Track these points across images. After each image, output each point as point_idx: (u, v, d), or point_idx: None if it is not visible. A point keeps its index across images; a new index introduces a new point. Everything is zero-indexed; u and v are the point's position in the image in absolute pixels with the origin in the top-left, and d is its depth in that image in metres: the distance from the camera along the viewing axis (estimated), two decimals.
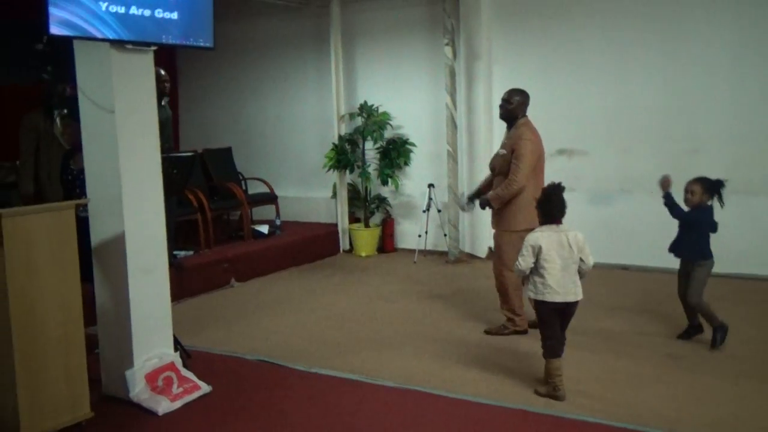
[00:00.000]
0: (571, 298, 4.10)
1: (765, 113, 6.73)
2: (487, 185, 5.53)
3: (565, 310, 4.15)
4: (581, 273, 4.16)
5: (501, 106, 5.36)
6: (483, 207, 5.39)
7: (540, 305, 4.16)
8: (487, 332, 5.35)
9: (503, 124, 7.88)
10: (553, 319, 4.14)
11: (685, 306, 5.02)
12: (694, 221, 4.87)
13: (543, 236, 4.11)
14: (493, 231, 5.45)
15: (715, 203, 4.88)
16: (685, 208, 4.94)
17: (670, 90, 7.13)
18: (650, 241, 7.09)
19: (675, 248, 5.01)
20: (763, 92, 6.72)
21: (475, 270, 7.67)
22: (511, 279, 5.18)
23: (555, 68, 7.67)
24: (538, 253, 4.08)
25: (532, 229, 4.25)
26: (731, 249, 6.39)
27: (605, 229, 7.40)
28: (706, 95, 6.96)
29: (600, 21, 7.40)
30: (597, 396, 4.12)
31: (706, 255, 4.89)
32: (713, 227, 4.88)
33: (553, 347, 4.13)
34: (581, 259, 4.12)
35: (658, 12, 7.10)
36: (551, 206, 4.19)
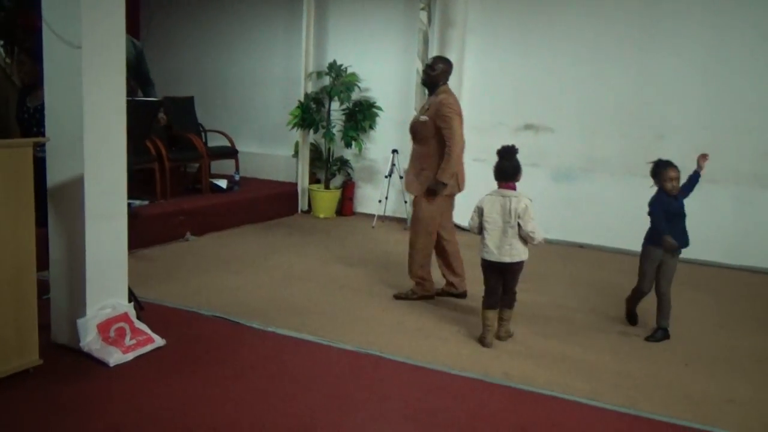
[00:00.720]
0: (506, 259, 4.40)
1: (731, 105, 6.85)
2: (412, 166, 5.36)
3: (504, 269, 4.44)
4: (525, 238, 4.38)
5: (424, 72, 5.34)
6: (437, 193, 5.12)
7: (481, 261, 4.53)
8: (396, 297, 5.41)
9: (471, 94, 8.00)
10: (489, 275, 4.51)
11: (640, 296, 4.95)
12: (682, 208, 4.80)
13: (487, 199, 4.47)
14: (411, 196, 5.49)
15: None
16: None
17: (642, 75, 7.19)
18: (609, 222, 7.24)
19: (679, 238, 4.72)
20: (731, 83, 6.83)
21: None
22: (426, 244, 5.29)
23: (530, 43, 7.64)
24: (480, 214, 4.44)
25: (452, 195, 5.20)
26: (691, 236, 6.53)
27: (566, 207, 7.49)
28: (676, 83, 7.04)
29: (577, 8, 7.39)
30: (556, 371, 4.15)
31: None
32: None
33: (486, 299, 4.53)
34: (519, 225, 4.34)
35: (634, 4, 7.14)
36: (499, 167, 4.50)
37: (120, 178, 4.15)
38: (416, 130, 5.24)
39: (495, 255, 4.39)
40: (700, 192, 6.71)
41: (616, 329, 4.96)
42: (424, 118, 5.14)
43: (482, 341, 4.50)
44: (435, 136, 5.08)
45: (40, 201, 3.90)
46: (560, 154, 7.60)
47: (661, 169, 4.74)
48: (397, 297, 5.43)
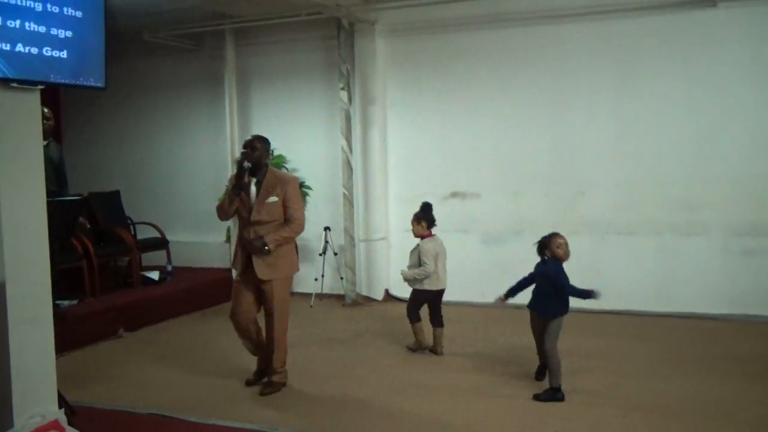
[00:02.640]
0: (444, 286, 5.95)
1: (645, 158, 7.18)
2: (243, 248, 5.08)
3: (439, 295, 5.97)
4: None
5: (246, 154, 4.93)
6: (255, 252, 4.92)
7: (420, 293, 5.94)
8: (262, 394, 5.10)
9: (397, 167, 8.18)
10: (423, 302, 5.98)
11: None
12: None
13: (432, 246, 5.89)
14: (261, 281, 4.97)
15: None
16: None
17: (558, 136, 7.51)
18: None
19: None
20: (643, 139, 7.18)
21: (373, 312, 7.67)
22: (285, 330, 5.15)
23: (449, 113, 7.91)
24: (436, 257, 5.81)
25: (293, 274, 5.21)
26: (615, 286, 6.75)
27: (498, 270, 7.60)
28: (591, 141, 7.38)
29: (491, 69, 7.72)
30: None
31: None
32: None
33: (416, 315, 6.01)
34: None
35: (545, 60, 7.50)
36: (430, 218, 5.98)
37: (44, 281, 4.05)
38: (264, 214, 4.92)
39: (443, 283, 5.93)
40: (624, 244, 7.05)
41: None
42: (273, 199, 4.91)
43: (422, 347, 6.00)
44: (282, 218, 4.97)
45: None
46: (488, 218, 7.80)
47: (547, 241, 5.04)
48: (262, 394, 5.09)
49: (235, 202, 4.98)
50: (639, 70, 7.15)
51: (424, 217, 5.96)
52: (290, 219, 4.96)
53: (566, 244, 4.95)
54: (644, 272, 7.15)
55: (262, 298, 5.08)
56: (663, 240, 7.14)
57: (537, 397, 4.81)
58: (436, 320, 6.00)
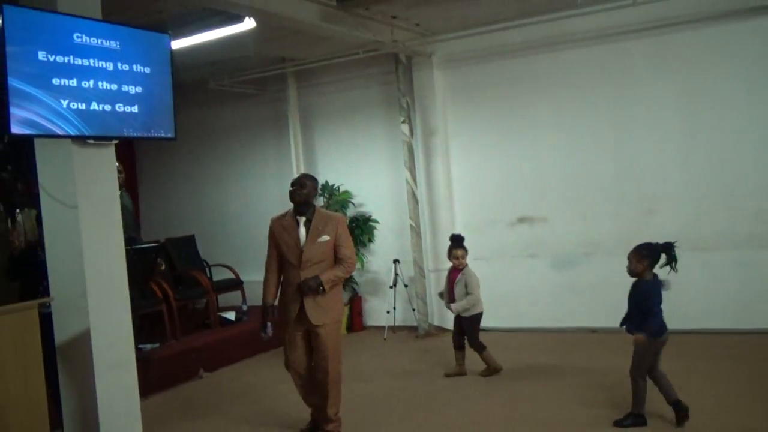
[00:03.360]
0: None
1: (714, 171, 6.96)
2: (275, 287, 4.94)
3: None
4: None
5: (297, 192, 4.78)
6: (311, 291, 4.69)
7: (477, 318, 6.19)
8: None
9: (462, 196, 8.18)
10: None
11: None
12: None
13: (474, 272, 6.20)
14: (315, 326, 4.72)
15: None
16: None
17: (622, 154, 7.37)
18: (616, 302, 7.18)
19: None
20: (711, 151, 6.97)
21: (447, 342, 7.61)
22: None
23: (510, 139, 7.88)
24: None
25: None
26: (692, 304, 6.54)
27: (571, 293, 7.51)
28: (657, 157, 7.20)
29: (550, 92, 7.66)
30: None
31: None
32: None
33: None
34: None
35: (605, 78, 7.40)
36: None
37: (126, 327, 4.23)
38: (315, 253, 4.73)
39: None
40: (699, 260, 6.82)
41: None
42: (325, 238, 4.74)
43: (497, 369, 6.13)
44: (333, 259, 4.81)
45: (49, 359, 3.97)
46: (557, 241, 7.68)
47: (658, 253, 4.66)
48: None
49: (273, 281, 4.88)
50: (702, 81, 6.97)
51: (464, 248, 6.23)
52: (342, 258, 4.77)
53: (629, 258, 4.71)
54: (722, 288, 6.89)
55: (313, 344, 4.83)
56: (740, 254, 6.87)
57: (618, 423, 4.67)
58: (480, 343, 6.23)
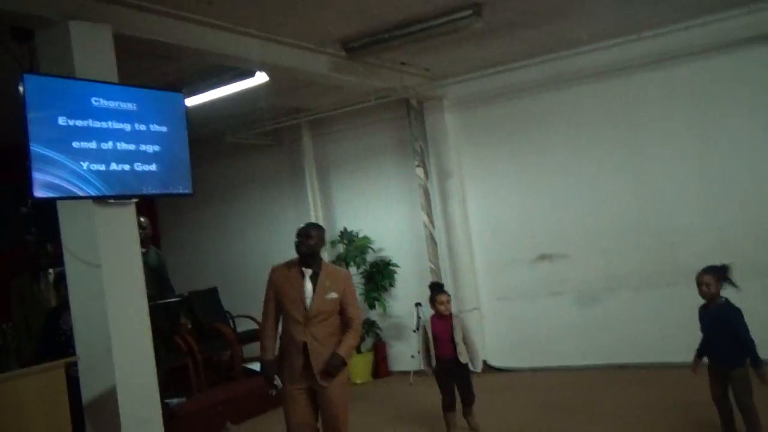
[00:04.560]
0: None
1: (735, 199, 6.91)
2: (274, 341, 4.62)
3: None
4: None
5: (305, 244, 4.53)
6: (337, 371, 4.39)
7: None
8: None
9: (480, 237, 8.19)
10: None
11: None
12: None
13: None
14: (323, 387, 4.38)
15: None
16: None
17: (640, 186, 7.34)
18: (645, 336, 7.12)
19: None
20: (730, 179, 6.92)
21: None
22: None
23: (527, 177, 7.91)
24: None
25: None
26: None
27: (597, 329, 7.43)
28: (676, 188, 7.17)
29: (564, 128, 7.70)
30: None
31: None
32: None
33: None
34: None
35: (618, 112, 7.43)
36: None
37: (151, 383, 4.26)
38: (322, 310, 4.44)
39: None
40: (729, 290, 6.69)
41: None
42: (333, 295, 4.45)
43: None
44: (338, 316, 4.54)
45: (77, 420, 4.00)
46: (580, 278, 7.63)
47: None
48: None
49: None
50: (716, 110, 6.96)
51: (447, 292, 5.84)
52: (351, 319, 4.50)
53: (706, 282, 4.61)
54: (756, 317, 6.77)
55: (320, 404, 4.47)
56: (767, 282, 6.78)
57: None
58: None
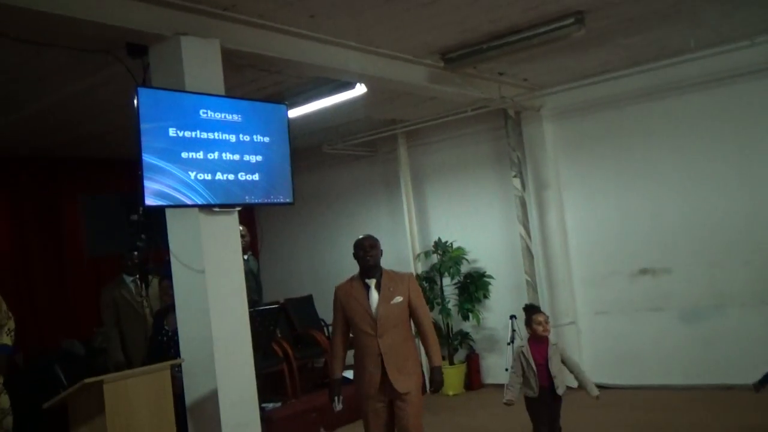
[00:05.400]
0: None
1: None
2: (342, 360, 4.69)
3: None
4: None
5: (372, 255, 4.62)
6: (441, 385, 4.56)
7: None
8: None
9: (579, 249, 8.00)
10: None
11: None
12: None
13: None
14: (401, 394, 4.38)
15: None
16: None
17: (748, 199, 6.96)
18: (755, 356, 6.75)
19: None
20: None
21: (568, 400, 7.36)
22: None
23: (626, 189, 7.66)
24: None
25: None
26: None
27: (701, 347, 7.12)
28: None
29: (667, 138, 7.41)
30: None
31: None
32: None
33: None
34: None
35: (724, 122, 7.08)
36: None
37: (250, 388, 4.37)
38: (390, 316, 4.45)
39: None
40: None
41: None
42: (398, 299, 4.48)
43: None
44: (409, 320, 4.57)
45: (180, 421, 4.15)
46: (684, 293, 7.31)
47: None
48: None
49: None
50: None
51: (544, 312, 5.23)
52: (424, 317, 4.56)
53: None
54: None
55: (397, 413, 4.45)
56: None
57: None
58: None
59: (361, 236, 4.71)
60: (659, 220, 7.47)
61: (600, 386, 7.60)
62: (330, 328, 8.78)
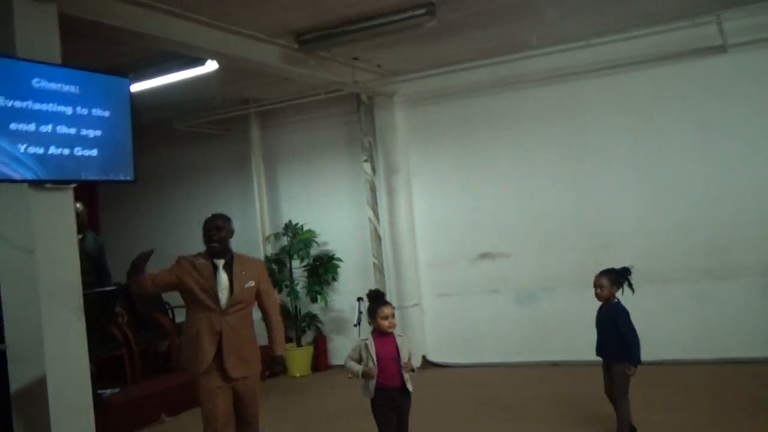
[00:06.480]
0: None
1: (668, 205, 7.15)
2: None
3: None
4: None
5: (219, 237, 4.44)
6: (283, 367, 4.62)
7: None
8: None
9: (425, 233, 8.26)
10: None
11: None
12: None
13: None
14: (237, 379, 4.31)
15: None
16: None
17: (579, 190, 7.53)
18: (579, 335, 7.26)
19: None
20: (665, 185, 7.16)
21: (413, 380, 7.62)
22: None
23: (472, 177, 8.01)
24: None
25: None
26: (651, 336, 6.62)
27: (533, 327, 7.60)
28: (612, 192, 7.38)
29: (510, 130, 7.83)
30: None
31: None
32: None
33: None
34: None
35: (562, 117, 7.59)
36: None
37: (83, 373, 4.17)
38: (242, 299, 4.37)
39: None
40: (656, 293, 6.95)
41: None
42: (251, 283, 4.40)
43: None
44: (252, 305, 4.50)
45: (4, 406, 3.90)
46: (519, 276, 7.78)
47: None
48: None
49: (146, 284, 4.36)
50: (654, 120, 7.19)
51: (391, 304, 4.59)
52: (272, 306, 4.52)
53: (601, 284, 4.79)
54: (680, 320, 7.03)
55: (235, 399, 4.38)
56: (696, 285, 7.03)
57: None
58: None
59: (209, 215, 4.53)
60: (500, 207, 7.87)
61: (441, 365, 8.01)
62: (174, 312, 8.62)
